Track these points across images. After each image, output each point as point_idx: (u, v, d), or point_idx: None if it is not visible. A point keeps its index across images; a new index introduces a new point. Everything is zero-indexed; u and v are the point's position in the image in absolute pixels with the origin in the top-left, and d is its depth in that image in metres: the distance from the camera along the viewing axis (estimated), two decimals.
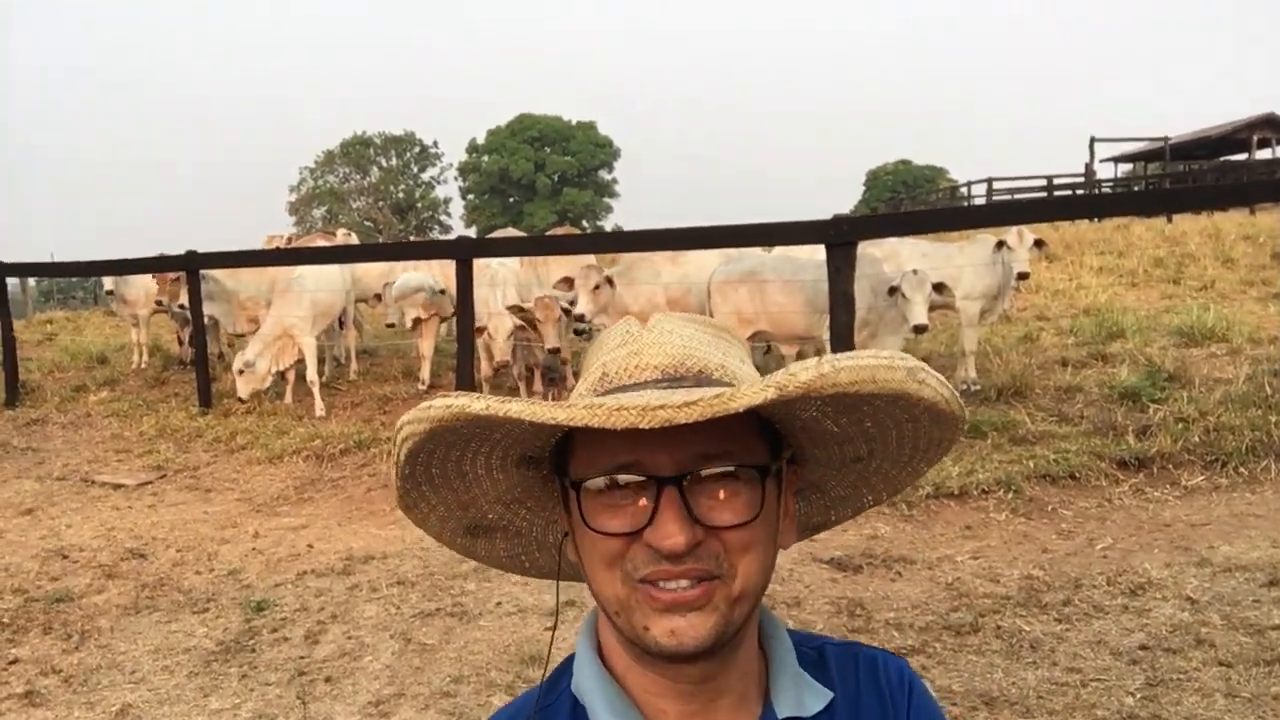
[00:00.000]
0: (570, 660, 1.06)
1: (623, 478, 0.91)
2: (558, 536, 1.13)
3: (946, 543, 5.19)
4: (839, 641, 1.12)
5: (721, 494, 0.91)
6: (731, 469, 0.91)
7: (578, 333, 8.89)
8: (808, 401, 0.92)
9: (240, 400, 9.08)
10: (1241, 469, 5.80)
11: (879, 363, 0.88)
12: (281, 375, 9.59)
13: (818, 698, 1.03)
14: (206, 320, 9.97)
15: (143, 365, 11.96)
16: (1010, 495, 5.69)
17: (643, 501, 0.91)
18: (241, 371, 9.01)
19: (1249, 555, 4.69)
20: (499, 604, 4.69)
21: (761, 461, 0.94)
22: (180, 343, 12.02)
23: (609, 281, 7.62)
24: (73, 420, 9.68)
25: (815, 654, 1.09)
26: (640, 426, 0.82)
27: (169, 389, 10.72)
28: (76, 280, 33.54)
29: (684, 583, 0.90)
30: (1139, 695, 3.53)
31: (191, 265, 9.48)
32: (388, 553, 5.56)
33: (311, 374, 9.24)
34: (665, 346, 0.97)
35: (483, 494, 1.06)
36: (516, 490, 1.07)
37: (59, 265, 12.52)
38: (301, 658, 4.33)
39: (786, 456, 1.01)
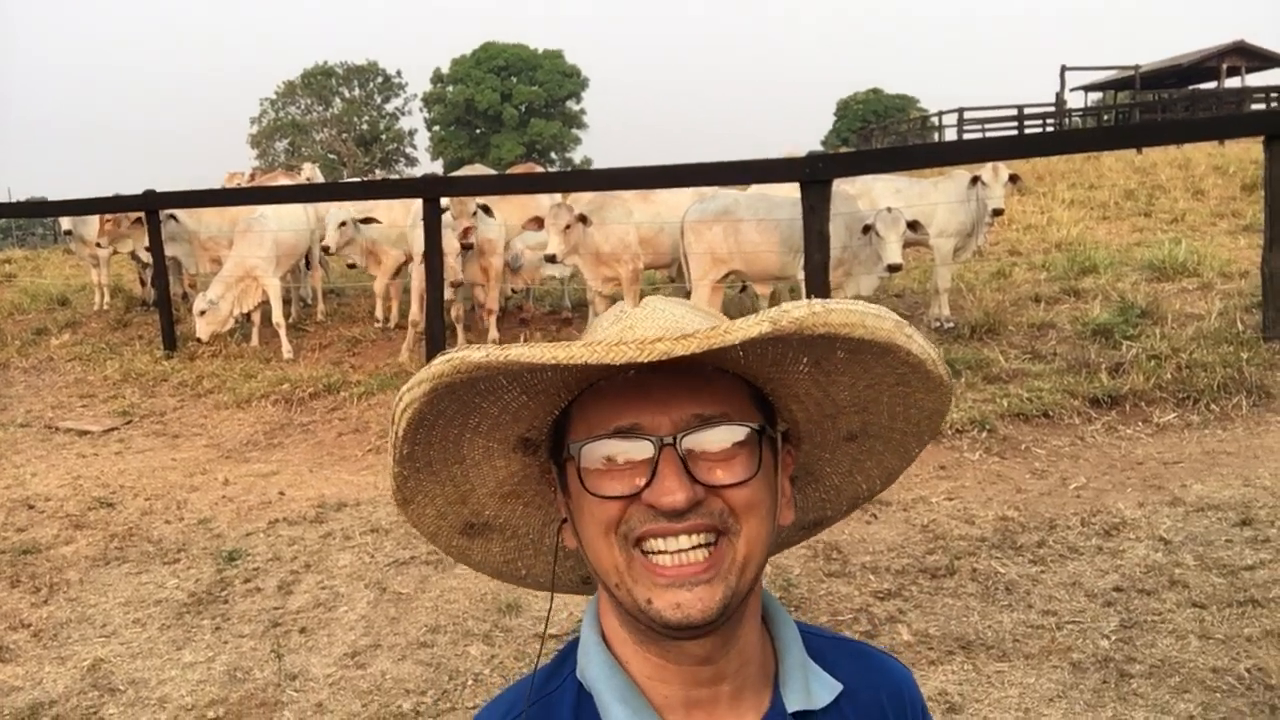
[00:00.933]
0: (573, 646, 1.05)
1: (620, 444, 0.91)
2: (553, 540, 1.12)
3: (921, 483, 5.20)
4: (848, 638, 1.12)
5: (720, 455, 0.91)
6: (728, 428, 0.92)
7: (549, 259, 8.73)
8: (799, 359, 0.93)
9: (200, 341, 8.94)
10: (1213, 406, 5.83)
11: (869, 310, 0.89)
12: (247, 317, 9.44)
13: (827, 689, 1.02)
14: (168, 261, 9.76)
15: (105, 307, 11.74)
16: (984, 434, 5.70)
17: (642, 465, 0.90)
18: (203, 313, 8.87)
19: (1221, 494, 4.73)
20: None
21: (757, 423, 0.94)
22: (142, 284, 11.79)
23: (581, 219, 7.49)
24: (34, 364, 9.49)
25: (825, 644, 1.08)
26: (640, 360, 0.82)
27: (132, 331, 10.53)
28: (32, 219, 32.83)
29: (685, 542, 0.90)
30: (1114, 638, 3.56)
31: (150, 205, 9.25)
32: (360, 499, 5.51)
33: (277, 316, 9.09)
34: (658, 320, 0.97)
35: (480, 483, 1.05)
36: (514, 481, 1.06)
37: (15, 206, 12.22)
38: (275, 609, 4.29)
39: (781, 430, 1.01)
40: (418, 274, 8.30)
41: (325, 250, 9.14)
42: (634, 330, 0.96)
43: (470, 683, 3.62)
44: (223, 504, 5.63)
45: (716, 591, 0.90)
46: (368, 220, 8.91)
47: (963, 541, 4.45)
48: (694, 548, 0.90)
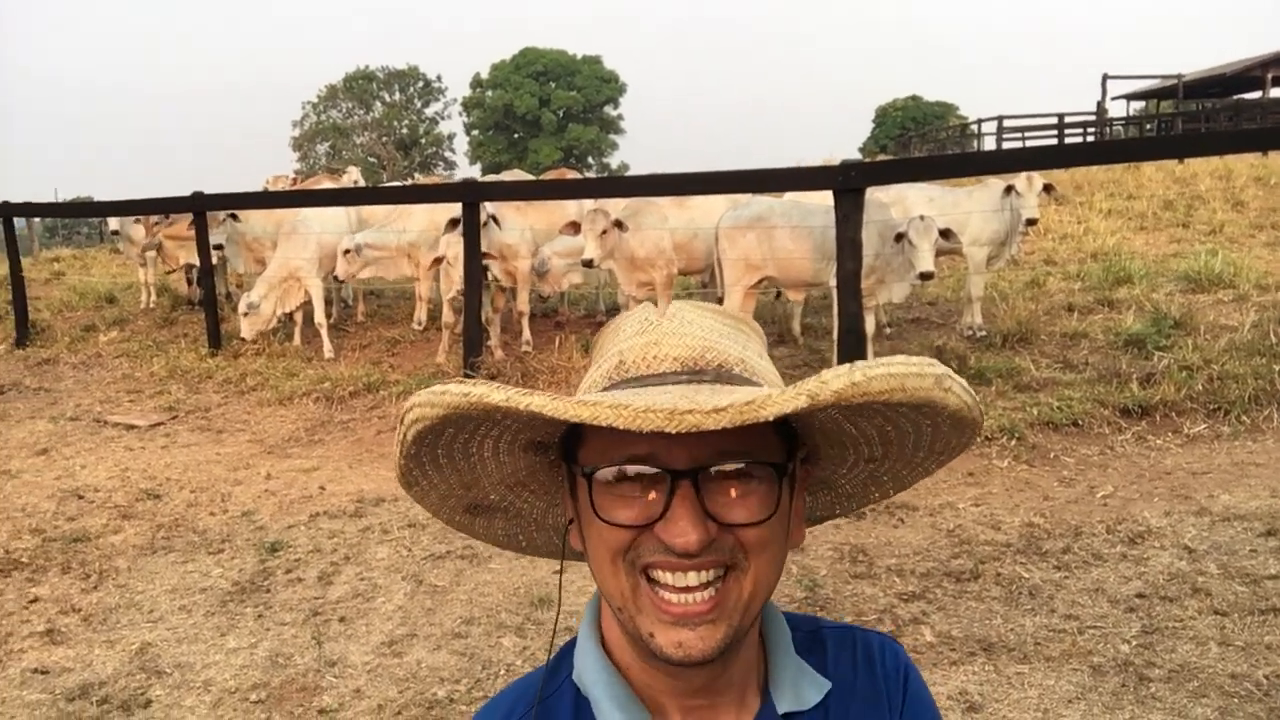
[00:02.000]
0: (570, 646, 1.05)
1: (635, 469, 0.89)
2: (558, 519, 1.13)
3: (949, 489, 5.26)
4: (835, 624, 1.12)
5: (737, 491, 0.89)
6: (748, 467, 0.89)
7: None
8: (829, 409, 0.90)
9: (244, 340, 9.16)
10: (1244, 417, 5.85)
11: (909, 370, 0.87)
12: (289, 317, 9.64)
13: (815, 688, 1.02)
14: (214, 260, 10.00)
15: (151, 305, 12.02)
16: (1013, 442, 5.74)
17: (654, 495, 0.89)
18: (246, 313, 9.08)
19: (1248, 504, 4.75)
20: None
21: (778, 460, 0.92)
22: (188, 283, 12.05)
23: (618, 225, 7.59)
24: (83, 360, 9.75)
25: (811, 638, 1.08)
26: (666, 430, 0.79)
27: (178, 329, 10.78)
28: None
29: (694, 579, 0.89)
30: (1134, 643, 3.61)
31: (198, 206, 9.47)
32: (398, 495, 5.64)
33: (319, 316, 9.29)
34: (685, 338, 0.95)
35: (486, 476, 1.04)
36: (522, 474, 1.06)
37: (66, 206, 12.57)
38: (316, 598, 4.43)
39: (801, 456, 0.99)
40: (446, 279, 8.44)
41: (337, 280, 9.29)
42: (659, 346, 0.95)
43: (503, 673, 3.73)
44: (265, 497, 5.79)
45: (719, 631, 0.90)
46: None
47: (988, 546, 4.51)
48: (701, 586, 0.89)
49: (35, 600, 4.58)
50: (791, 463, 0.95)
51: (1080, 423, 5.94)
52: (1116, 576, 4.14)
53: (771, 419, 0.80)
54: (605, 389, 0.95)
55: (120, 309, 12.07)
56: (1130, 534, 4.53)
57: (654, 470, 0.88)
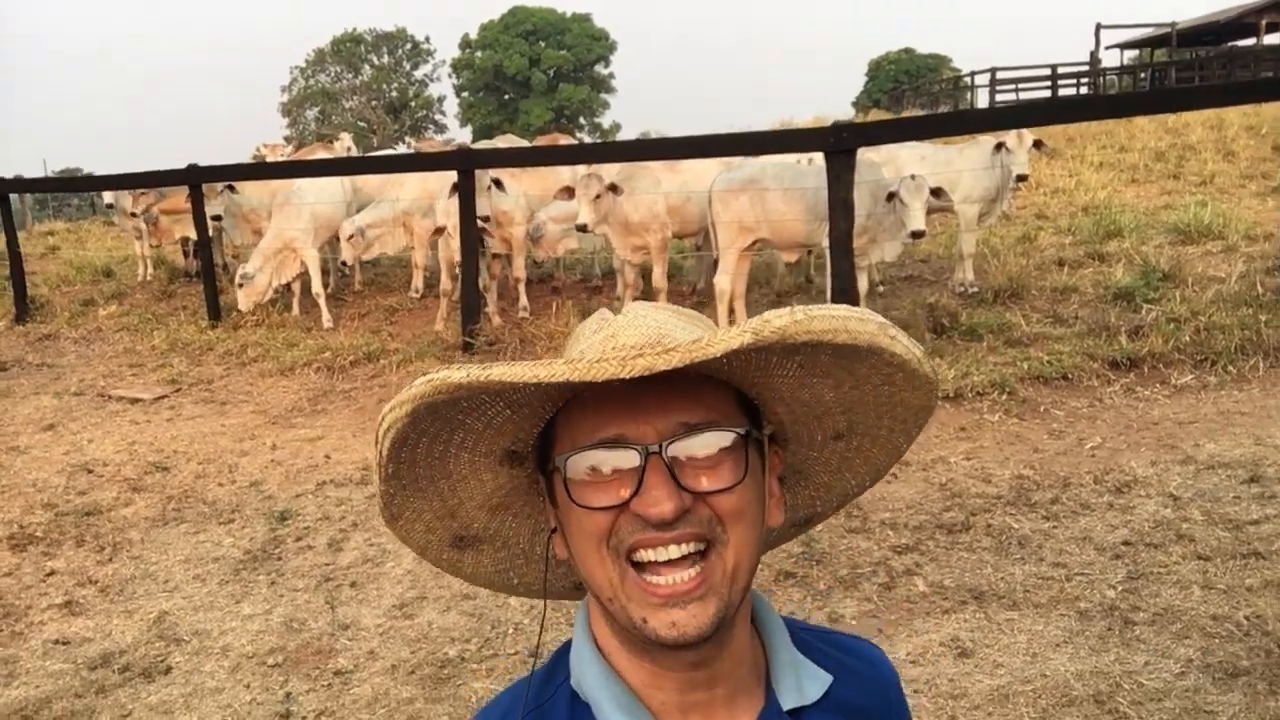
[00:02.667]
0: (564, 652, 1.05)
1: (606, 455, 0.91)
2: (544, 549, 1.13)
3: (941, 444, 5.38)
4: (831, 630, 1.15)
5: (706, 461, 0.91)
6: (714, 435, 0.92)
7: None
8: (784, 363, 0.93)
9: (242, 312, 9.25)
10: (1230, 368, 5.96)
11: (851, 313, 0.89)
12: (287, 287, 9.71)
13: (817, 683, 1.03)
14: (211, 232, 10.04)
15: (148, 278, 12.06)
16: (1004, 397, 5.86)
17: (628, 475, 0.90)
18: (241, 284, 9.17)
19: (1232, 453, 4.88)
20: None
21: (742, 428, 0.94)
22: (185, 255, 12.10)
23: (612, 189, 7.65)
24: (84, 335, 9.83)
25: (810, 638, 1.09)
26: (622, 375, 0.82)
27: (177, 302, 10.85)
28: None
29: (675, 551, 0.90)
30: (1120, 588, 3.75)
31: (193, 179, 9.51)
32: None
33: (316, 286, 9.35)
34: (640, 328, 0.97)
35: (468, 497, 1.05)
36: (502, 493, 1.06)
37: (62, 180, 12.57)
38: (326, 564, 4.56)
39: (768, 432, 1.01)
40: (444, 246, 8.51)
41: (345, 266, 9.37)
42: (616, 339, 0.96)
43: (511, 631, 3.86)
44: (272, 467, 5.91)
45: (710, 607, 0.90)
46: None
47: (979, 499, 4.64)
48: (684, 557, 0.90)
49: (52, 573, 4.71)
50: (757, 431, 0.97)
51: (1070, 376, 6.05)
52: (1103, 525, 4.27)
53: (720, 354, 0.83)
54: None
55: (118, 282, 12.12)
56: (1117, 484, 4.65)
57: (625, 453, 0.90)
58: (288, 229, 9.28)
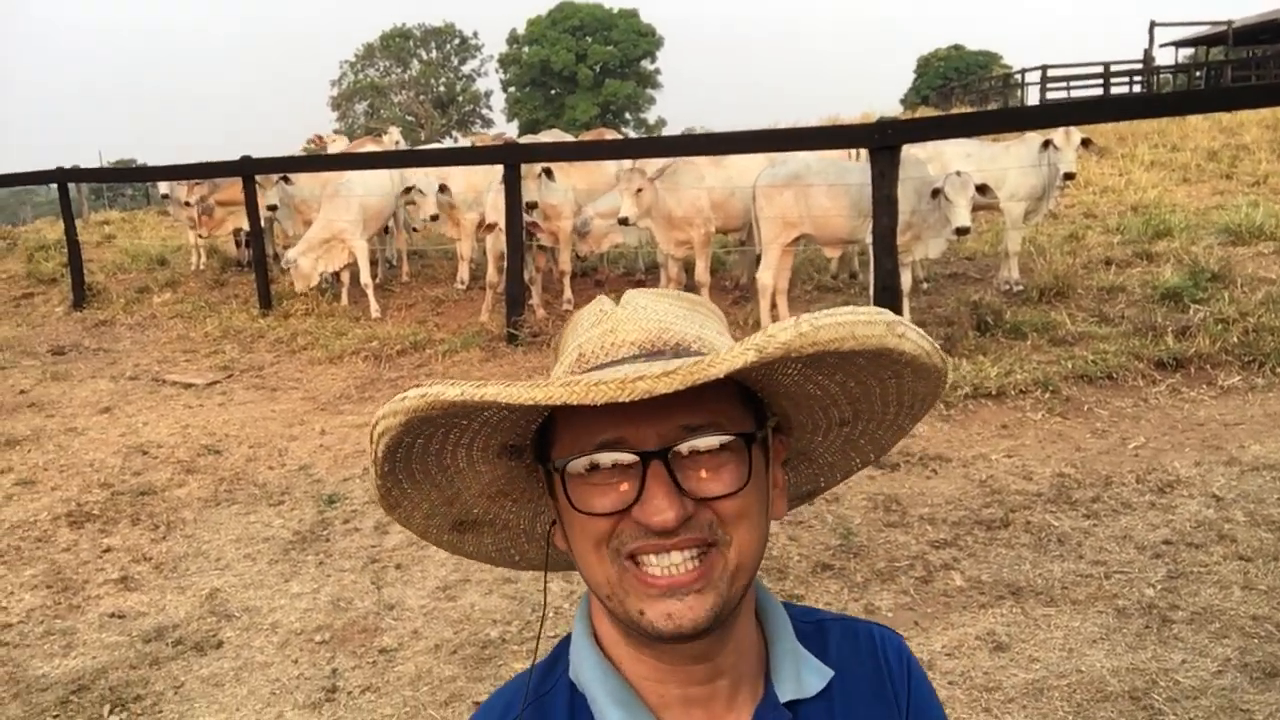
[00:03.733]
0: (565, 644, 1.05)
1: (606, 456, 0.89)
2: (544, 527, 1.12)
3: (982, 441, 5.38)
4: (836, 616, 1.12)
5: (708, 465, 0.90)
6: (717, 441, 0.90)
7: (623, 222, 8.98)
8: (788, 363, 0.91)
9: (295, 298, 9.46)
10: (1278, 369, 5.89)
11: (857, 319, 0.87)
12: (336, 277, 9.88)
13: (818, 676, 1.02)
14: (264, 222, 10.24)
15: (201, 267, 12.32)
16: (1047, 395, 5.84)
17: (628, 479, 0.89)
18: (286, 269, 9.39)
19: (1277, 455, 4.84)
20: None
21: (746, 429, 0.92)
22: (237, 245, 12.33)
23: (651, 180, 7.73)
24: (139, 321, 10.06)
25: (813, 628, 1.08)
26: (620, 400, 0.80)
27: (229, 290, 11.07)
28: None
29: (676, 557, 0.89)
30: (1159, 587, 3.74)
31: (246, 170, 9.70)
32: None
33: (365, 277, 9.51)
34: (640, 322, 0.96)
35: (466, 488, 1.04)
36: (501, 482, 1.05)
37: (118, 170, 12.85)
38: (372, 547, 4.66)
39: (771, 425, 0.99)
40: (492, 239, 8.62)
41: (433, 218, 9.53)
42: (615, 334, 0.95)
43: (552, 615, 3.93)
44: (320, 452, 6.04)
45: (708, 600, 0.89)
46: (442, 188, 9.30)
47: (1019, 496, 4.64)
48: (685, 560, 0.89)
49: (108, 550, 4.85)
50: (761, 431, 0.95)
51: (1115, 375, 6.02)
52: (1144, 524, 4.26)
53: (722, 375, 0.81)
54: None
55: (172, 271, 12.38)
56: (1160, 483, 4.64)
57: (625, 455, 0.89)
58: (336, 220, 9.44)
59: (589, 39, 59.15)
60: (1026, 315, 7.18)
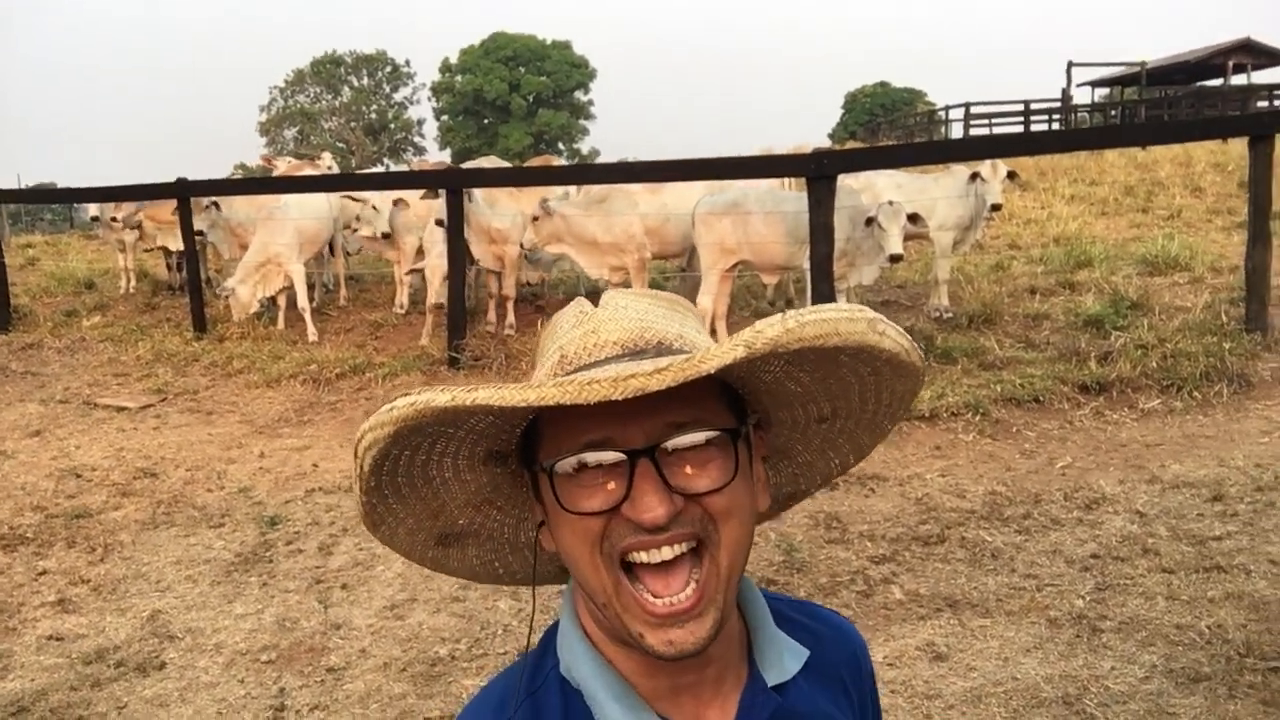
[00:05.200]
0: (550, 637, 1.05)
1: (594, 456, 0.90)
2: (529, 535, 1.12)
3: (917, 461, 5.54)
4: (805, 601, 1.16)
5: (695, 461, 0.91)
6: (703, 436, 0.91)
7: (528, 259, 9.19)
8: (771, 359, 0.92)
9: (230, 324, 9.38)
10: (1195, 393, 6.16)
11: (841, 315, 0.89)
12: (272, 301, 9.79)
13: (796, 657, 1.04)
14: (197, 246, 10.12)
15: (131, 290, 12.10)
16: (978, 417, 6.03)
17: (616, 478, 0.89)
18: (226, 298, 9.28)
19: (1197, 473, 5.06)
20: None
21: (731, 425, 0.93)
22: (168, 269, 12.15)
23: (545, 210, 7.94)
24: (68, 345, 9.84)
25: (786, 609, 1.11)
26: (614, 398, 0.81)
27: (160, 314, 10.89)
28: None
29: (667, 553, 0.90)
30: (1088, 598, 3.90)
31: (182, 192, 9.59)
32: None
33: (302, 300, 9.44)
34: (621, 321, 0.96)
35: (451, 499, 1.04)
36: (486, 490, 1.05)
37: (48, 192, 12.58)
38: (317, 567, 4.65)
39: (753, 422, 1.00)
40: (432, 262, 8.66)
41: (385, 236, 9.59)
42: (598, 334, 0.96)
43: (500, 633, 3.96)
44: (260, 474, 5.99)
45: (707, 621, 0.90)
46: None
47: (953, 513, 4.80)
48: (678, 558, 0.90)
49: (44, 573, 4.77)
50: (744, 426, 0.96)
51: (1041, 399, 6.24)
52: (1073, 539, 4.43)
53: (713, 372, 0.82)
54: None
55: (100, 294, 12.14)
56: (1086, 500, 4.83)
57: (612, 454, 0.89)
58: (271, 243, 9.37)
59: (522, 69, 59.38)
60: (956, 341, 7.40)
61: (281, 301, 9.82)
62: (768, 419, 1.05)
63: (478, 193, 8.35)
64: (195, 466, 6.17)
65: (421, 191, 9.21)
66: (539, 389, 0.82)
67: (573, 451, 0.90)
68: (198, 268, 9.96)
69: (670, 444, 0.89)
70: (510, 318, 8.99)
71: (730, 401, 0.96)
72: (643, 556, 0.89)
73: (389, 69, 64.63)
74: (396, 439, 0.90)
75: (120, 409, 7.60)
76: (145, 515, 5.42)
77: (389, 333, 9.43)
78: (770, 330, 0.84)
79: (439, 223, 8.23)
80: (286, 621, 4.15)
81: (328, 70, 63.12)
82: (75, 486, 5.90)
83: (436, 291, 8.53)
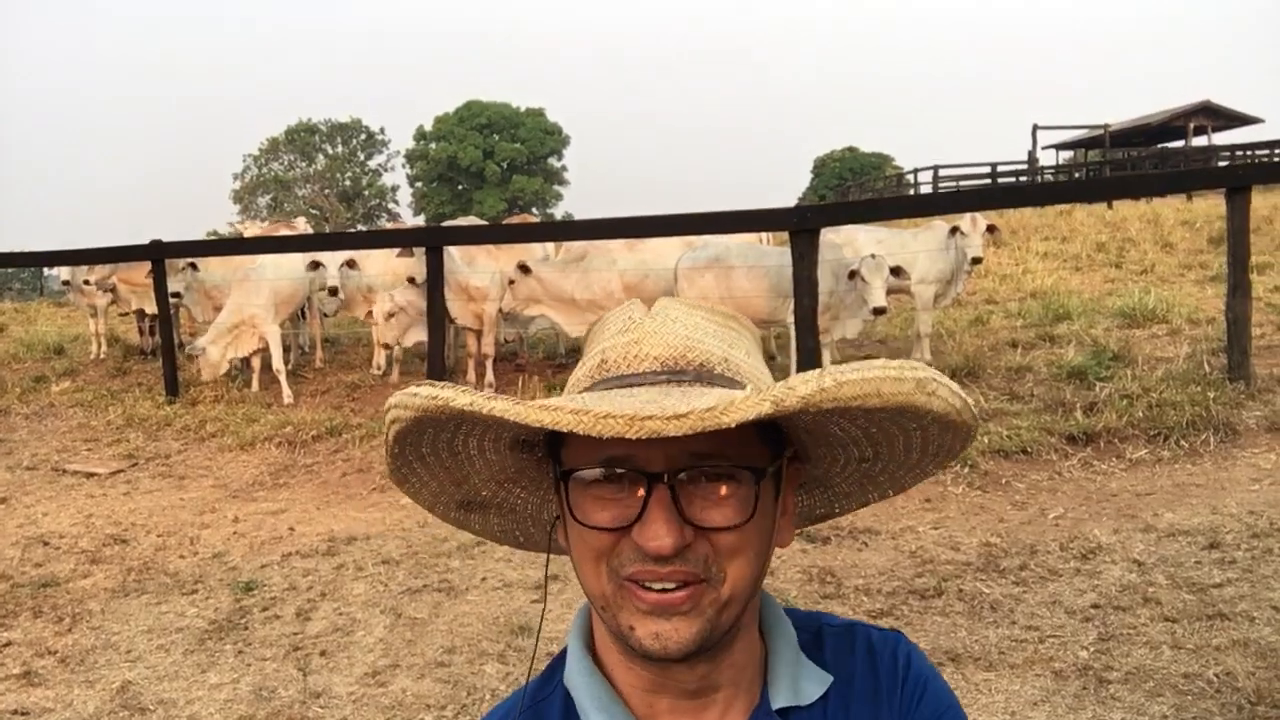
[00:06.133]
0: (564, 654, 1.05)
1: (612, 474, 0.89)
2: (551, 514, 1.11)
3: (908, 515, 5.45)
4: (839, 621, 1.10)
5: (714, 494, 0.89)
6: (723, 471, 0.89)
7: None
8: (808, 413, 0.88)
9: (204, 385, 9.24)
10: (1182, 442, 6.13)
11: (885, 375, 0.84)
12: (246, 363, 9.66)
13: (816, 684, 1.01)
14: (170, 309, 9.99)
15: (102, 356, 11.92)
16: (966, 470, 5.96)
17: (631, 498, 0.88)
18: (195, 357, 9.15)
19: (1190, 521, 5.00)
20: (484, 579, 4.86)
21: (758, 464, 0.91)
22: (141, 333, 11.99)
23: (524, 270, 7.94)
24: (36, 411, 9.64)
25: (813, 636, 1.07)
26: (627, 436, 0.79)
27: (131, 379, 10.71)
28: (13, 270, 32.86)
29: (670, 584, 0.89)
30: (1092, 649, 3.80)
31: (156, 254, 9.48)
32: (370, 534, 5.70)
33: (277, 362, 9.30)
34: (666, 336, 0.94)
35: (475, 473, 1.05)
36: (510, 470, 1.06)
37: (20, 255, 12.37)
38: (295, 634, 4.47)
39: (788, 456, 0.98)
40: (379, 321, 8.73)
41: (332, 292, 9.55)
42: (640, 346, 0.94)
43: (488, 698, 3.81)
44: (235, 539, 5.81)
45: (694, 625, 0.89)
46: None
47: (949, 565, 4.70)
48: (677, 587, 0.89)
49: (8, 644, 4.56)
50: (773, 465, 0.94)
51: (1029, 450, 6.18)
52: (1072, 589, 4.34)
53: (733, 425, 0.79)
54: (586, 389, 0.95)
55: (70, 360, 11.94)
56: (1082, 550, 4.75)
57: (630, 476, 0.88)
58: (246, 305, 9.26)
59: (496, 136, 59.97)
60: None
61: (256, 364, 9.67)
62: (805, 454, 1.03)
63: (455, 251, 8.30)
64: (167, 532, 5.99)
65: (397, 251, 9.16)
66: (555, 413, 0.81)
67: (592, 464, 0.89)
68: (171, 331, 9.81)
69: (689, 474, 0.87)
70: (489, 376, 8.89)
71: (766, 434, 0.94)
72: (645, 580, 0.89)
73: (363, 137, 65.16)
74: (418, 424, 0.92)
75: (90, 475, 7.40)
76: (115, 583, 5.23)
77: (366, 393, 9.29)
78: (804, 388, 0.81)
79: (411, 280, 8.20)
80: (264, 690, 3.98)
81: (302, 138, 63.51)
82: (42, 554, 5.71)
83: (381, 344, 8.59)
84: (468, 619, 4.46)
